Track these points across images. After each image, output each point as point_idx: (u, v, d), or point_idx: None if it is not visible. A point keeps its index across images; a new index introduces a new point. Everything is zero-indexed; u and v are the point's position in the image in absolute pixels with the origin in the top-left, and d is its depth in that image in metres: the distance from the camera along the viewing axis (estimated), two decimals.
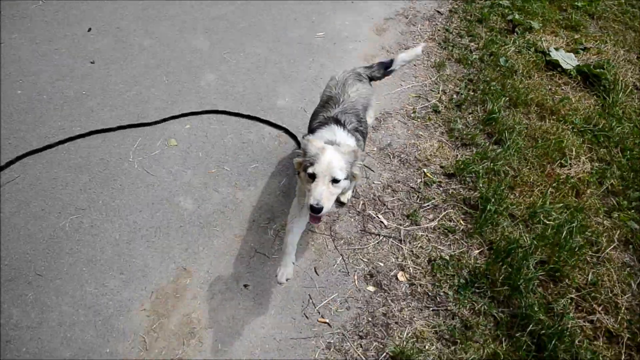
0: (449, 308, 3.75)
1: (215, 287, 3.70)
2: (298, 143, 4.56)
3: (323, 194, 2.92)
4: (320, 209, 2.91)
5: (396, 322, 3.65)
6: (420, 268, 3.97)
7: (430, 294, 3.83)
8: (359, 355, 3.45)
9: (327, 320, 3.62)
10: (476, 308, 3.76)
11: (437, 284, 3.88)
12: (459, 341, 3.55)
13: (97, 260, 3.77)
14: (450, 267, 3.98)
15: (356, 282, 3.86)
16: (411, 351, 3.44)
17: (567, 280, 3.96)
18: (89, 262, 3.75)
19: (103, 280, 3.67)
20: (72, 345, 3.34)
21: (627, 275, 4.03)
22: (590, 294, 3.89)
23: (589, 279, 3.97)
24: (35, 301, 3.52)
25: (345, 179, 3.02)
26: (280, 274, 3.51)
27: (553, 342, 3.55)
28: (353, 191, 4.36)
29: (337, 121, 3.50)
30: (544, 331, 3.60)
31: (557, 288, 3.92)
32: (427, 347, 3.51)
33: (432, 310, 3.74)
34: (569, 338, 3.58)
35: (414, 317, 3.68)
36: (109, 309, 3.52)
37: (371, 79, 4.26)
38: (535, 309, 3.70)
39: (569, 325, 3.66)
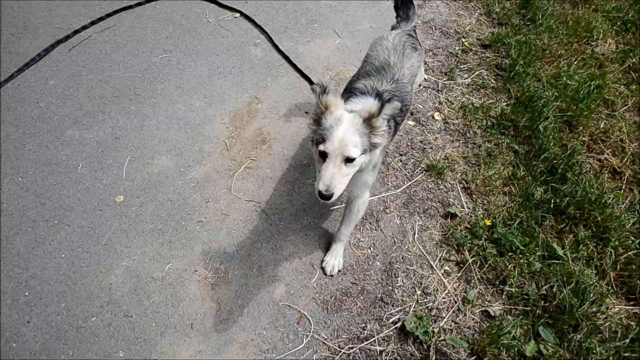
0: (476, 142, 4.43)
1: (281, 111, 4.48)
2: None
3: (334, 177, 2.54)
4: (330, 196, 2.53)
5: (431, 148, 4.36)
6: (454, 111, 4.66)
7: (461, 131, 4.52)
8: (399, 166, 4.20)
9: None
10: (500, 143, 4.41)
11: (467, 124, 4.56)
12: (482, 164, 4.24)
13: (184, 87, 4.58)
14: (479, 112, 4.65)
15: None
16: (442, 167, 4.16)
17: (581, 127, 4.57)
18: (178, 88, 4.56)
19: (190, 101, 4.48)
20: (167, 144, 4.17)
21: (636, 127, 4.61)
22: (601, 139, 4.49)
23: (602, 127, 4.57)
24: (136, 112, 4.35)
25: (362, 153, 2.61)
26: (330, 266, 3.46)
27: (562, 166, 4.17)
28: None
29: (379, 97, 3.01)
30: (556, 160, 4.23)
31: (572, 134, 4.53)
32: (455, 166, 4.22)
33: (462, 142, 4.44)
34: (578, 167, 4.21)
35: (446, 145, 4.40)
36: (196, 120, 4.34)
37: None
38: (551, 144, 4.32)
39: (579, 159, 4.28)
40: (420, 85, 4.66)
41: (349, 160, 2.57)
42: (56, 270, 3.35)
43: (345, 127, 2.54)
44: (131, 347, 3.10)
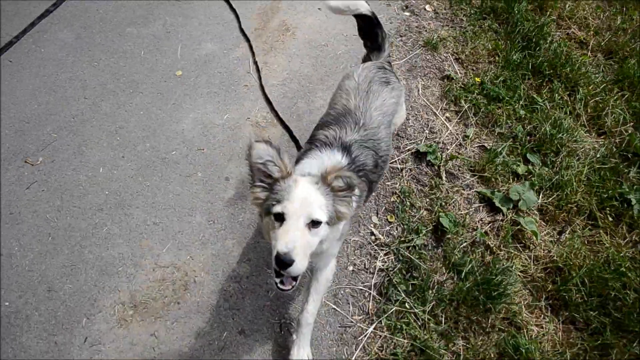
0: (462, 26, 5.37)
1: (299, 8, 5.38)
2: None
3: (297, 240, 2.00)
4: (290, 263, 1.96)
5: (425, 31, 5.29)
6: (442, 3, 5.60)
7: (449, 18, 5.45)
8: (400, 44, 5.13)
9: None
10: (482, 26, 5.38)
11: (454, 13, 5.49)
12: (469, 40, 5.21)
13: None
14: (464, 3, 5.59)
15: (395, 10, 5.53)
16: (436, 42, 5.11)
17: (550, 9, 5.54)
18: None
19: (220, 3, 5.40)
20: (209, 34, 5.02)
21: (597, 8, 5.60)
22: (568, 17, 5.47)
23: (567, 8, 5.55)
24: (179, 13, 5.20)
25: (327, 222, 2.14)
26: (296, 354, 2.76)
27: (535, 36, 5.11)
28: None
29: (347, 151, 2.59)
30: (530, 33, 5.18)
31: (542, 15, 5.51)
32: (447, 43, 5.17)
33: (450, 27, 5.37)
34: (549, 37, 5.17)
35: (437, 29, 5.34)
36: (229, 17, 5.25)
37: None
38: (525, 21, 5.30)
39: (549, 31, 5.24)
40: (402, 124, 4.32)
41: (315, 224, 2.10)
42: (137, 122, 4.26)
43: (306, 186, 2.14)
44: (206, 170, 4.02)
